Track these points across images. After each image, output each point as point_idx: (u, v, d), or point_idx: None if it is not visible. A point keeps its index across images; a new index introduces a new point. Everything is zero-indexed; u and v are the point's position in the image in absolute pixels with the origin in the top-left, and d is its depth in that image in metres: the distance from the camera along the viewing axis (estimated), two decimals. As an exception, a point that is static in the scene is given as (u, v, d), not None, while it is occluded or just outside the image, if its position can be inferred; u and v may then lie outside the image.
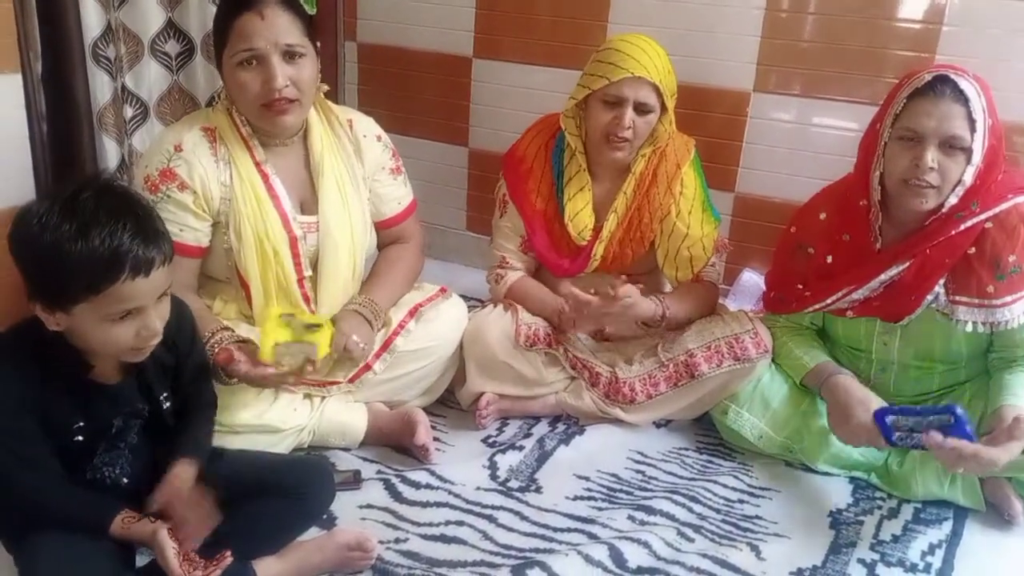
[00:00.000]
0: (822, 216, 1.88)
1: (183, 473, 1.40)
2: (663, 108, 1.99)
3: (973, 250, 1.70)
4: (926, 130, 1.65)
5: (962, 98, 1.62)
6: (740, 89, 2.50)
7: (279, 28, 1.70)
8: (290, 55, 1.73)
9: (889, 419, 1.66)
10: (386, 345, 1.93)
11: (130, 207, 1.26)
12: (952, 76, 1.64)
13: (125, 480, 1.42)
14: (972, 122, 1.63)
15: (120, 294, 1.23)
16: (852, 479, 1.90)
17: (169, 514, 1.34)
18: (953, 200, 1.69)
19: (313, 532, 1.57)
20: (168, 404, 1.45)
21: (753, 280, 2.58)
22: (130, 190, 1.32)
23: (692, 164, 2.08)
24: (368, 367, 1.91)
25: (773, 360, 1.97)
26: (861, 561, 1.65)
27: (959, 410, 1.58)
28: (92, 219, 1.21)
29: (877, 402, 1.73)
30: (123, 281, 1.22)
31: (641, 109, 1.96)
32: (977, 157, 1.65)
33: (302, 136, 1.88)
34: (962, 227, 1.69)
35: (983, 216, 1.68)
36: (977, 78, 1.67)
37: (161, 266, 1.26)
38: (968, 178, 1.67)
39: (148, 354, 1.34)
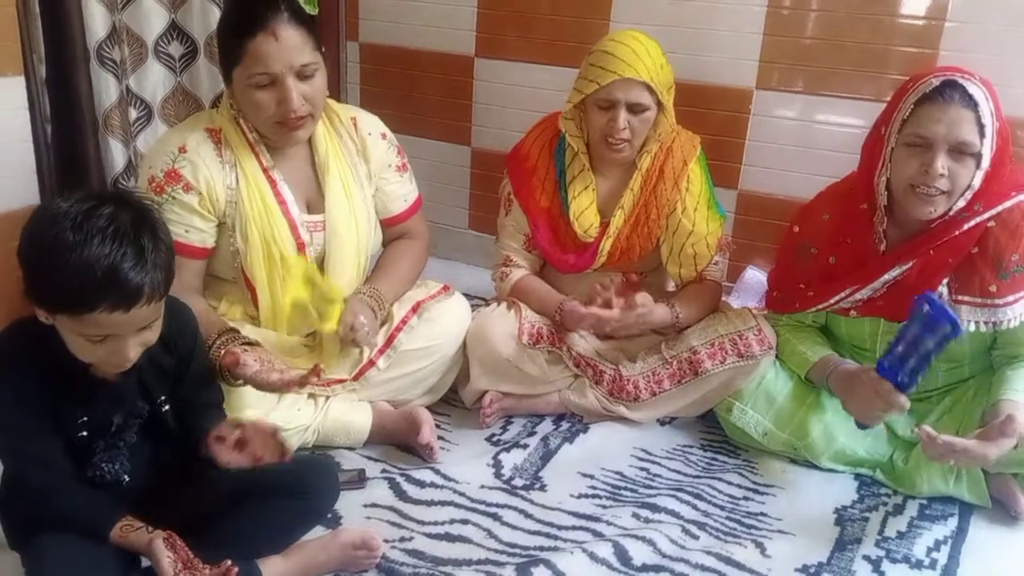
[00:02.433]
0: (825, 217, 1.88)
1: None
2: (660, 104, 1.99)
3: (976, 249, 1.69)
4: (936, 136, 1.63)
5: (971, 103, 1.61)
6: (743, 86, 2.50)
7: (293, 48, 1.71)
8: (304, 74, 1.73)
9: (886, 362, 1.64)
10: (389, 341, 1.93)
11: (139, 233, 1.24)
12: (960, 81, 1.62)
13: (126, 478, 1.42)
14: (981, 127, 1.61)
15: (96, 322, 1.22)
16: (857, 476, 1.89)
17: (240, 442, 1.37)
18: (961, 204, 1.68)
19: (318, 531, 1.57)
20: (167, 407, 1.45)
21: (756, 278, 2.58)
22: (153, 214, 1.29)
23: (698, 161, 2.08)
24: (372, 363, 1.92)
25: (777, 357, 1.97)
26: (866, 558, 1.65)
27: (926, 307, 1.53)
28: (97, 235, 1.20)
29: (872, 365, 1.71)
30: (100, 312, 1.21)
31: (635, 109, 1.95)
32: (986, 161, 1.64)
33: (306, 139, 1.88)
34: (965, 227, 1.68)
35: (986, 215, 1.68)
36: (984, 81, 1.65)
37: (146, 304, 1.24)
38: (977, 182, 1.66)
39: (124, 370, 1.34)
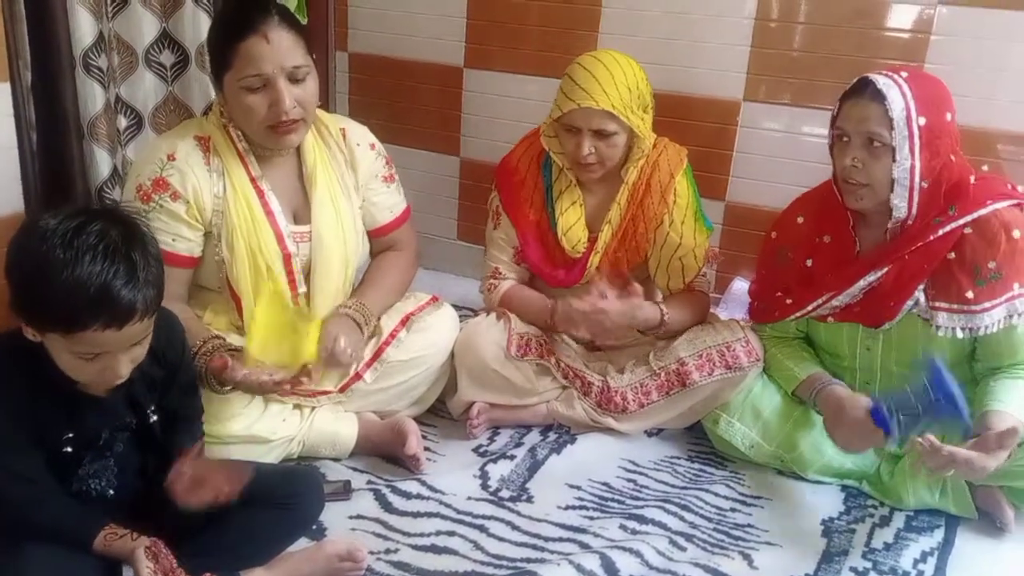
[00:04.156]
0: (800, 220, 1.90)
1: (191, 455, 1.40)
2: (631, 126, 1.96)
3: (953, 255, 1.70)
4: (848, 130, 1.71)
5: (879, 97, 1.65)
6: (730, 98, 2.51)
7: (284, 50, 1.70)
8: (296, 76, 1.73)
9: (886, 411, 1.64)
10: (377, 354, 1.92)
11: (130, 248, 1.23)
12: (872, 77, 1.68)
13: (112, 492, 1.41)
14: (890, 120, 1.65)
15: (88, 340, 1.21)
16: (844, 487, 1.89)
17: (197, 480, 1.35)
18: (899, 202, 1.70)
19: (303, 543, 1.56)
20: (155, 418, 1.44)
21: (744, 289, 2.57)
22: (142, 228, 1.29)
23: (685, 173, 2.07)
24: (359, 376, 1.91)
25: (764, 371, 1.98)
26: (853, 569, 1.65)
27: (935, 361, 1.57)
28: (87, 252, 1.19)
29: (868, 400, 1.72)
30: (92, 330, 1.20)
31: (600, 135, 1.94)
32: (903, 154, 1.66)
33: (295, 147, 1.87)
34: (940, 232, 1.70)
35: (961, 221, 1.69)
36: (914, 77, 1.69)
37: (139, 321, 1.23)
38: (901, 176, 1.67)
39: (112, 387, 1.33)
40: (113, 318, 1.20)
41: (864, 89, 1.69)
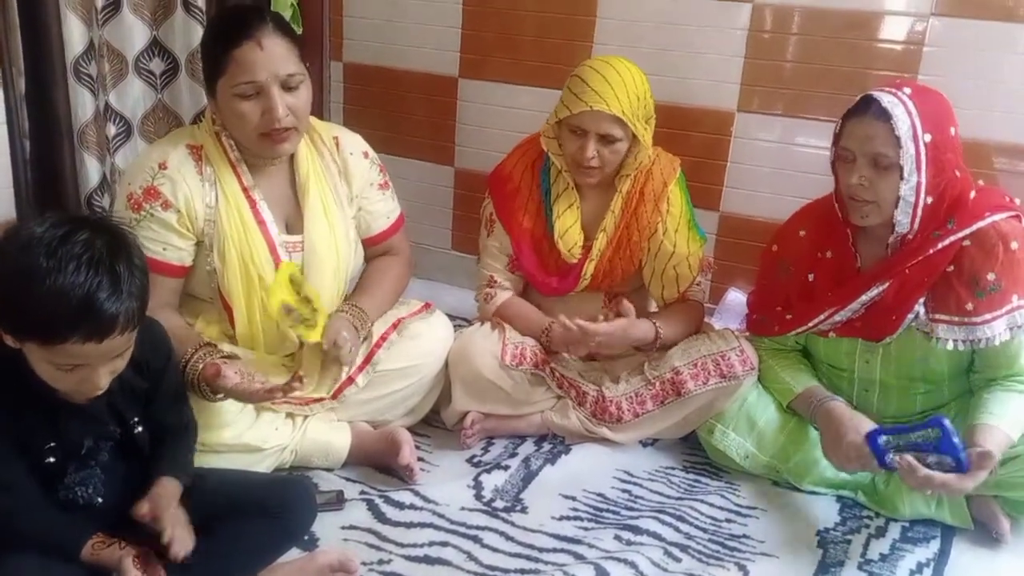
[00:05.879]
0: (802, 233, 1.90)
1: (167, 489, 1.38)
2: (636, 135, 1.96)
3: (952, 268, 1.70)
4: (853, 149, 1.70)
5: (884, 115, 1.64)
6: (724, 109, 2.52)
7: (278, 57, 1.70)
8: (289, 84, 1.72)
9: (881, 439, 1.66)
10: (368, 358, 1.91)
11: (115, 260, 1.21)
12: (876, 95, 1.67)
13: (100, 500, 1.39)
14: (897, 139, 1.64)
15: (68, 351, 1.19)
16: (839, 498, 1.89)
17: (153, 526, 1.31)
18: (903, 219, 1.70)
19: (294, 553, 1.55)
20: (140, 428, 1.42)
21: (738, 299, 2.58)
22: (128, 239, 1.27)
23: (678, 183, 2.08)
24: (351, 380, 1.90)
25: (759, 381, 1.97)
26: (849, 580, 1.65)
27: (946, 422, 1.58)
28: (71, 261, 1.17)
29: (868, 424, 1.72)
30: (72, 342, 1.18)
31: (606, 139, 1.94)
32: (910, 172, 1.66)
33: (288, 155, 1.87)
34: (939, 246, 1.69)
35: (961, 234, 1.69)
36: (918, 93, 1.68)
37: (120, 334, 1.21)
38: (907, 194, 1.67)
39: (91, 397, 1.31)
40: (94, 331, 1.18)
41: (868, 107, 1.67)
